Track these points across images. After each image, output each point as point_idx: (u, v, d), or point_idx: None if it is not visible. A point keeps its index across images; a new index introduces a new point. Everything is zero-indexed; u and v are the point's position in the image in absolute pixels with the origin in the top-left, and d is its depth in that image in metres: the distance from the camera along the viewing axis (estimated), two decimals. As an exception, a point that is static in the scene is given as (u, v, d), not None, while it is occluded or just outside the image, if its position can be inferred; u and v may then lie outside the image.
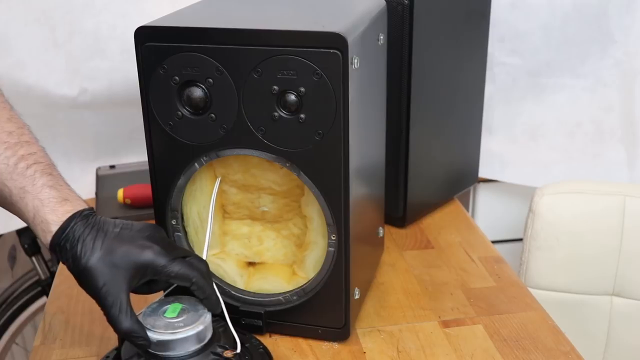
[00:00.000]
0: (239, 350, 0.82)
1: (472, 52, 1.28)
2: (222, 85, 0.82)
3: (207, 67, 0.82)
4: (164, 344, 0.79)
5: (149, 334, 0.79)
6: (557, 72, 1.40)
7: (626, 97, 1.40)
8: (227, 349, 0.81)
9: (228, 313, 0.85)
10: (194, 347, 0.79)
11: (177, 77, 0.83)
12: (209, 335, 0.81)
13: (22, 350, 1.80)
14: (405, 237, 1.21)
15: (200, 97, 0.83)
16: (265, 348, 0.90)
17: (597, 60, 1.38)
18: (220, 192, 0.93)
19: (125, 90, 1.31)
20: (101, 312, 0.76)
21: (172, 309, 0.82)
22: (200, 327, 0.80)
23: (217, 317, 0.85)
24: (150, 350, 0.79)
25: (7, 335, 1.66)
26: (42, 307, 1.59)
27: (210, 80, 0.82)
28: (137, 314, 0.78)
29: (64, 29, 1.27)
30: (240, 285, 0.95)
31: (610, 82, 1.39)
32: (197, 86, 0.83)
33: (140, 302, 0.83)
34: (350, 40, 0.77)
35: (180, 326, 0.79)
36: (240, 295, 0.94)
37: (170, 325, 0.80)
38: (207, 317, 0.81)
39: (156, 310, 0.82)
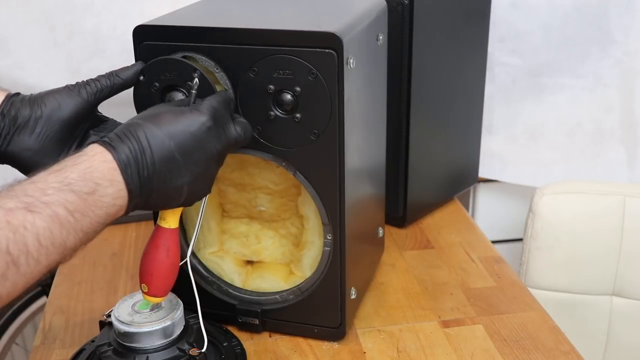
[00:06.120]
0: (204, 349, 0.82)
1: (472, 52, 1.28)
2: (218, 85, 0.82)
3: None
4: (130, 336, 0.80)
5: (117, 324, 0.80)
6: (557, 72, 1.40)
7: (626, 97, 1.39)
8: (194, 347, 0.82)
9: (225, 311, 0.85)
10: (159, 341, 0.81)
11: (174, 77, 0.83)
12: (177, 331, 0.82)
13: (22, 350, 1.79)
14: (405, 237, 1.21)
15: (197, 96, 0.83)
16: (242, 349, 0.90)
17: (597, 60, 1.37)
18: (218, 191, 0.93)
19: (125, 91, 1.31)
20: (100, 312, 0.76)
21: (146, 302, 0.83)
22: (167, 323, 0.81)
23: (195, 314, 0.86)
24: (119, 340, 0.81)
25: (7, 335, 1.66)
26: (42, 307, 1.59)
27: (207, 79, 0.82)
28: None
29: (64, 29, 1.27)
30: (238, 283, 0.95)
31: (610, 82, 1.38)
32: (194, 85, 0.83)
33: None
34: (345, 40, 0.77)
35: (146, 320, 0.81)
36: (238, 294, 0.94)
37: (138, 318, 0.81)
38: (178, 313, 0.82)
39: (130, 301, 0.84)
